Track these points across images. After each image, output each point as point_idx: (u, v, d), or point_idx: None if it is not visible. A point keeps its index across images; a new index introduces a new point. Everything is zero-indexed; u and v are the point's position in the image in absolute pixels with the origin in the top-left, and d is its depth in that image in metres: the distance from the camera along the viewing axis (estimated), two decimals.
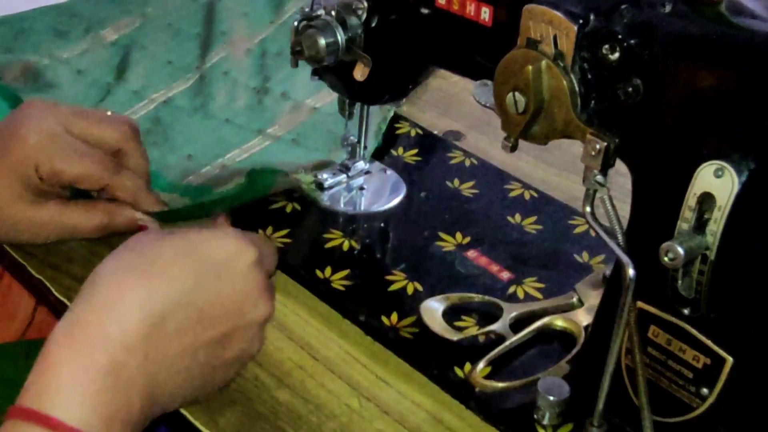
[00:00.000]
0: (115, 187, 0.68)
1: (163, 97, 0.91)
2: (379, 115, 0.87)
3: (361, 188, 0.80)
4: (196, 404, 0.58)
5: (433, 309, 0.66)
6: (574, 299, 0.67)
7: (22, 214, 0.66)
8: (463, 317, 0.66)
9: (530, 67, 0.52)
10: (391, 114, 0.88)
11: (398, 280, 0.70)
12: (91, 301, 0.50)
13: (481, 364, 0.61)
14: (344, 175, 0.79)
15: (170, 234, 0.56)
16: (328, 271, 0.70)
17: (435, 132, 0.89)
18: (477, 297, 0.68)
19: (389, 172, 0.81)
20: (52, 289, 0.69)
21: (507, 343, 0.63)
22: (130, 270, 0.51)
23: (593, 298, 0.66)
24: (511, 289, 0.69)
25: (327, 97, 0.91)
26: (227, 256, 0.54)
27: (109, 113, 0.74)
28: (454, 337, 0.64)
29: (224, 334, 0.54)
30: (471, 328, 0.65)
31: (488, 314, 0.66)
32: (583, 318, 0.65)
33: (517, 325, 0.65)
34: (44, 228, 0.67)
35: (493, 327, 0.64)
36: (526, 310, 0.66)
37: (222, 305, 0.53)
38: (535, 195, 0.80)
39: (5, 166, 0.64)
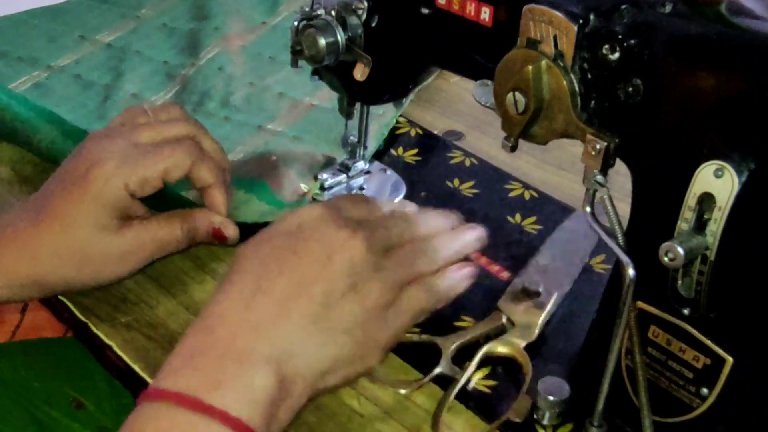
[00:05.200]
0: (199, 170, 0.65)
1: (161, 99, 0.91)
2: (381, 120, 0.87)
3: (361, 188, 0.80)
4: (365, 375, 0.56)
5: None
6: (504, 320, 0.65)
7: (111, 243, 0.62)
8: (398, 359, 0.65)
9: (530, 67, 0.52)
10: (394, 120, 0.88)
11: None
12: (221, 312, 0.50)
13: (443, 413, 0.59)
14: (344, 175, 0.79)
15: (266, 243, 0.54)
16: None
17: (435, 132, 0.90)
18: (409, 335, 0.64)
19: (389, 172, 0.81)
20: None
21: (458, 386, 0.60)
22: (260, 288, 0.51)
23: (520, 314, 0.65)
24: None
25: (325, 96, 0.91)
26: (313, 224, 0.54)
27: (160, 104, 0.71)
28: (402, 390, 0.61)
29: (338, 290, 0.52)
30: (408, 369, 0.64)
31: (427, 352, 0.63)
32: (520, 339, 0.63)
33: (458, 358, 0.63)
34: (132, 253, 0.64)
35: (439, 369, 0.62)
36: (461, 341, 0.63)
37: (328, 270, 0.52)
38: (535, 195, 0.80)
39: (89, 198, 0.62)
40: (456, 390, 0.61)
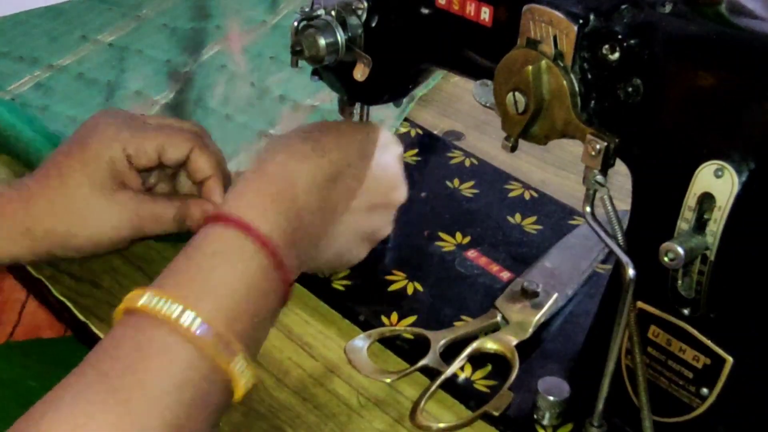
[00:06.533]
0: (198, 158, 0.66)
1: (164, 99, 0.91)
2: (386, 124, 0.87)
3: None
4: (327, 270, 0.68)
5: (358, 349, 0.64)
6: (498, 317, 0.65)
7: (105, 204, 0.64)
8: (391, 354, 0.65)
9: (530, 67, 0.52)
10: (394, 130, 0.88)
11: (398, 280, 0.70)
12: (278, 152, 0.58)
13: (422, 403, 0.59)
14: None
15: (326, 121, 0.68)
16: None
17: (435, 132, 0.89)
18: (400, 329, 0.65)
19: None
20: (51, 289, 0.69)
21: (442, 377, 0.61)
22: (308, 137, 0.60)
23: (516, 313, 0.65)
24: None
25: (326, 97, 0.91)
26: (385, 142, 0.65)
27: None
28: (387, 379, 0.62)
29: (372, 206, 0.63)
30: (402, 365, 0.64)
31: (416, 346, 0.64)
32: (512, 337, 0.64)
33: (447, 353, 0.63)
34: (124, 220, 0.65)
35: (425, 361, 0.62)
36: (453, 336, 0.64)
37: (376, 180, 0.63)
38: (535, 195, 0.80)
39: (87, 157, 0.63)
40: (439, 381, 0.61)
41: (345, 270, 0.68)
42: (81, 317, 0.67)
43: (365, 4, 0.64)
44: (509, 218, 0.77)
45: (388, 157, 0.65)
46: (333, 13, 0.65)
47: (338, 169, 0.59)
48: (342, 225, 0.62)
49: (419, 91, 0.93)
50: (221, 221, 0.53)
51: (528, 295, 0.66)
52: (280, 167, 0.57)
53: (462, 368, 0.63)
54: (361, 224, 0.63)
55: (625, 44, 0.49)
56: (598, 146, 0.51)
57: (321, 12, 0.65)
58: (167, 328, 0.48)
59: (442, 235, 0.75)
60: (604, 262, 0.72)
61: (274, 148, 0.59)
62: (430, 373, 0.62)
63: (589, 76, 0.51)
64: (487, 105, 0.92)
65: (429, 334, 0.64)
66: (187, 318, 0.48)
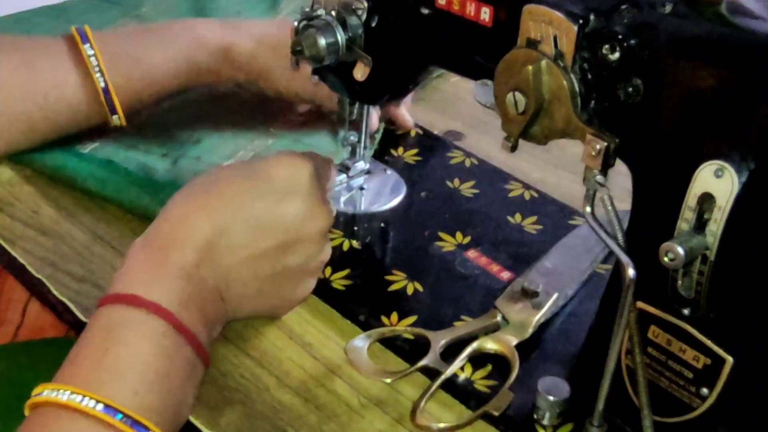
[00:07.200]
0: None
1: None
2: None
3: (361, 188, 0.80)
4: (273, 317, 0.66)
5: (358, 349, 0.64)
6: (498, 318, 0.65)
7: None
8: (391, 354, 0.65)
9: (530, 67, 0.52)
10: (382, 129, 0.88)
11: (398, 280, 0.70)
12: (164, 218, 0.58)
13: (422, 403, 0.59)
14: (344, 175, 0.79)
15: (233, 164, 0.68)
16: (328, 270, 0.70)
17: (435, 132, 0.90)
18: (400, 329, 0.65)
19: (389, 172, 0.81)
20: (52, 289, 0.69)
21: (442, 377, 0.61)
22: (196, 193, 0.59)
23: (516, 313, 0.65)
24: None
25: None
26: (285, 175, 0.61)
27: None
28: (387, 379, 0.62)
29: (285, 244, 0.60)
30: (402, 365, 0.64)
31: (416, 346, 0.64)
32: (512, 337, 0.64)
33: (447, 353, 0.63)
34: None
35: (425, 361, 0.62)
36: (454, 336, 0.64)
37: (281, 219, 0.60)
38: (535, 195, 0.80)
39: None
40: (440, 381, 0.61)
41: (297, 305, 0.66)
42: (82, 318, 0.67)
43: (365, 4, 0.64)
44: (509, 218, 0.77)
45: (294, 188, 0.61)
46: (333, 13, 0.65)
47: (225, 224, 0.58)
48: (263, 270, 0.60)
49: None
50: (109, 301, 0.53)
51: (528, 295, 0.66)
52: (164, 234, 0.57)
53: (462, 368, 0.63)
54: (287, 263, 0.61)
55: (625, 44, 0.49)
56: (598, 146, 0.51)
57: (321, 12, 0.65)
58: (71, 412, 0.48)
59: (442, 235, 0.75)
60: (604, 262, 0.72)
61: (162, 215, 0.59)
62: (430, 373, 0.62)
63: (589, 76, 0.51)
64: (487, 105, 0.91)
65: (429, 334, 0.64)
66: (89, 403, 0.48)
